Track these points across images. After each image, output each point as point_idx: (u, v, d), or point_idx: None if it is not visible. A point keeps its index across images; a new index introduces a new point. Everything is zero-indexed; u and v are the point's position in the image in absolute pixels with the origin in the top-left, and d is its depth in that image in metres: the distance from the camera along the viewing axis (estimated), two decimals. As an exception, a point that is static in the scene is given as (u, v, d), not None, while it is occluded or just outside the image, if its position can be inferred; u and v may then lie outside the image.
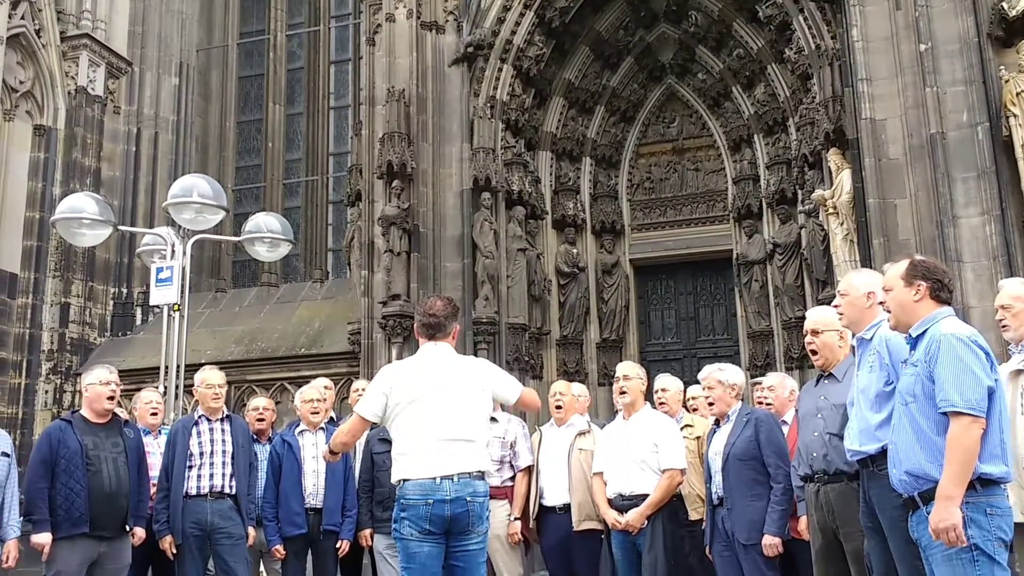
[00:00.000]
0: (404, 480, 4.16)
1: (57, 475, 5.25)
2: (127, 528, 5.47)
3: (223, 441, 5.92)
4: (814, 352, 4.45)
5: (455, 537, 4.14)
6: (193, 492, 5.78)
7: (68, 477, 5.24)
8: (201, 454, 5.84)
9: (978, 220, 9.37)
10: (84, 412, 5.56)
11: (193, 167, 15.34)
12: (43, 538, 5.20)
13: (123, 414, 5.90)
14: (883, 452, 3.59)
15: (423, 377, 4.29)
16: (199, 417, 5.99)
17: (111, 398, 5.54)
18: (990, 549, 3.14)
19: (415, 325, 4.51)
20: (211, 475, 5.82)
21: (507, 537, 6.09)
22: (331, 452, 4.51)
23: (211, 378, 6.05)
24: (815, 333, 4.42)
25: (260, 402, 6.81)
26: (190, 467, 5.81)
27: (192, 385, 8.25)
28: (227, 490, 5.83)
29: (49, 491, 5.23)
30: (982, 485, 3.17)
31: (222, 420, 6.01)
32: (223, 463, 5.86)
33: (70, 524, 5.21)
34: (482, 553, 4.29)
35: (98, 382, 5.51)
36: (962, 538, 3.10)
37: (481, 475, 4.24)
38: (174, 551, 5.70)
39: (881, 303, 3.63)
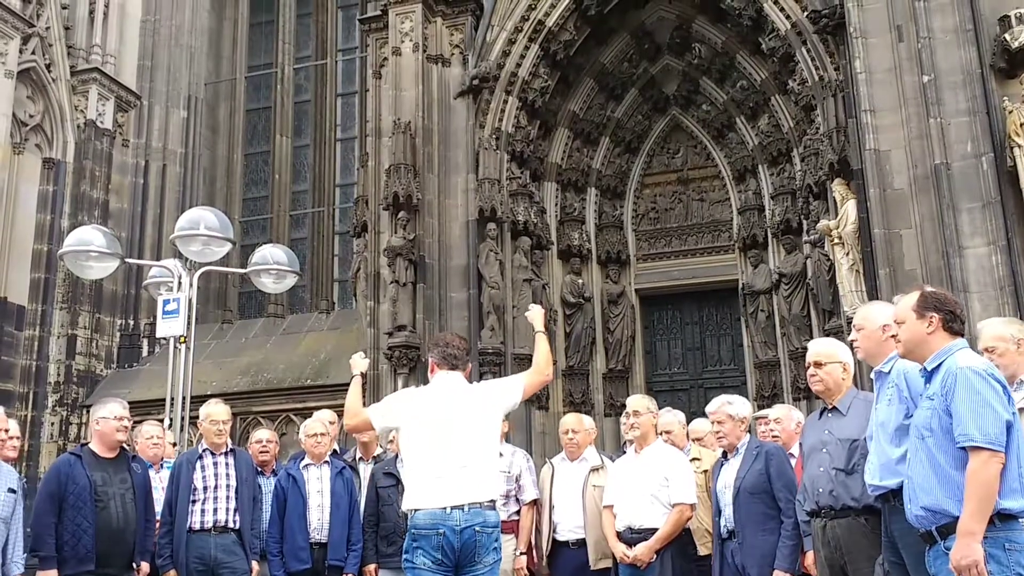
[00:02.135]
0: (415, 510, 4.16)
1: (65, 511, 5.19)
2: (133, 566, 5.42)
3: (227, 475, 5.88)
4: (817, 385, 4.40)
5: (462, 569, 4.11)
6: (197, 527, 5.72)
7: (76, 513, 5.18)
8: (205, 488, 5.80)
9: (984, 250, 9.35)
10: (93, 446, 5.50)
11: (200, 199, 15.43)
12: (49, 575, 5.16)
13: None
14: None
15: (436, 405, 4.31)
16: (203, 451, 5.95)
17: (122, 432, 5.52)
18: None
19: (433, 356, 4.53)
20: (215, 509, 5.77)
21: (513, 572, 6.03)
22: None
23: (215, 414, 6.00)
24: (818, 365, 4.37)
25: (263, 435, 6.75)
26: (194, 501, 5.77)
27: (197, 417, 8.23)
28: (231, 524, 5.78)
29: (56, 526, 5.17)
30: (1001, 520, 3.12)
31: (226, 454, 5.98)
32: (227, 497, 5.82)
33: (76, 562, 5.15)
34: None
35: (112, 416, 5.46)
36: (984, 574, 3.05)
37: (492, 504, 4.21)
38: None
39: (893, 336, 3.59)
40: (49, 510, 5.21)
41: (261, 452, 6.53)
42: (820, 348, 4.47)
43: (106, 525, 5.24)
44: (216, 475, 5.86)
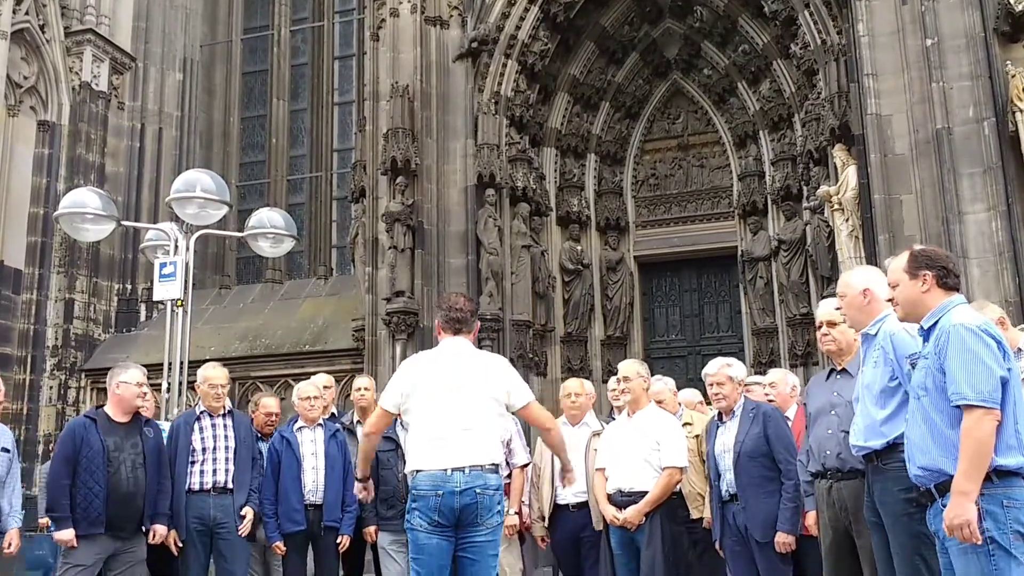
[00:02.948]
0: (417, 471, 4.18)
1: (78, 473, 5.24)
2: (142, 529, 5.45)
3: (225, 437, 5.89)
4: (829, 345, 4.34)
5: (464, 529, 4.14)
6: (196, 487, 5.75)
7: (88, 476, 5.23)
8: (204, 449, 5.81)
9: (984, 216, 9.33)
10: (109, 410, 5.52)
11: (197, 163, 15.32)
12: (66, 534, 5.20)
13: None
14: (888, 447, 3.55)
15: (443, 369, 4.33)
16: (201, 412, 5.96)
17: (141, 398, 5.52)
18: (1006, 542, 3.05)
19: (438, 320, 4.53)
20: (214, 471, 5.79)
21: (505, 530, 6.06)
22: (362, 473, 4.63)
23: (213, 377, 5.98)
24: (831, 325, 4.29)
25: (272, 405, 6.65)
26: (192, 462, 5.78)
27: (196, 382, 8.18)
28: (229, 485, 5.81)
29: (70, 488, 5.22)
30: (999, 477, 3.09)
31: (224, 416, 5.98)
32: (226, 459, 5.84)
33: (88, 523, 5.21)
34: (492, 546, 4.25)
35: (133, 382, 5.47)
36: (976, 535, 3.03)
37: (495, 468, 4.22)
38: (179, 544, 5.69)
39: (890, 300, 3.54)
40: (64, 472, 5.26)
41: (267, 424, 6.51)
42: (833, 308, 4.36)
43: (116, 489, 5.28)
44: (215, 436, 5.87)
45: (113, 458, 5.29)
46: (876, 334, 3.75)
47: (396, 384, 4.40)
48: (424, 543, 4.12)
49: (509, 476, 6.16)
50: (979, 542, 3.04)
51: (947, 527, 3.09)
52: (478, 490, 4.10)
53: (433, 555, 4.12)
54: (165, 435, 6.31)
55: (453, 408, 4.20)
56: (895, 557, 3.50)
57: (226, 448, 5.87)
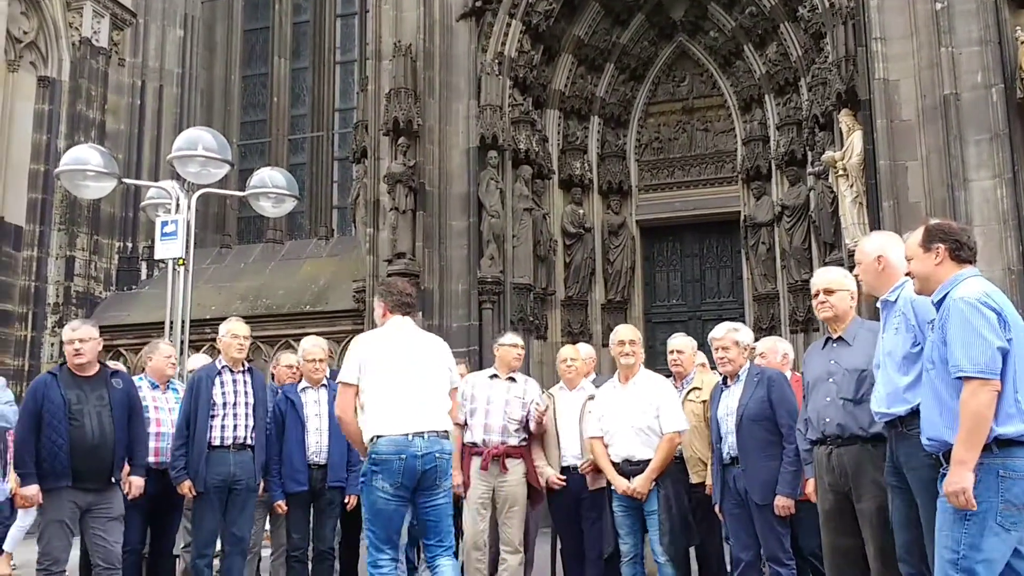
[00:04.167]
0: (378, 436, 4.41)
1: (42, 429, 5.26)
2: (113, 480, 5.46)
3: (246, 392, 5.94)
4: (827, 312, 4.36)
5: (423, 493, 4.43)
6: (216, 443, 5.79)
7: (52, 431, 5.25)
8: (224, 404, 5.84)
9: (989, 183, 9.29)
10: (70, 366, 5.53)
11: (198, 121, 15.20)
12: (29, 490, 5.25)
13: (117, 366, 5.86)
14: (912, 413, 3.57)
15: (398, 344, 4.62)
16: (222, 367, 5.98)
17: (78, 353, 5.42)
18: (993, 511, 3.13)
19: (387, 301, 4.78)
20: (235, 426, 5.84)
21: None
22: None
23: (237, 329, 6.04)
24: (828, 292, 4.33)
25: (292, 359, 6.87)
26: (212, 416, 5.81)
27: (196, 341, 8.24)
28: (248, 442, 5.87)
29: (35, 444, 5.26)
30: (1000, 447, 3.15)
31: (244, 372, 6.02)
32: (246, 415, 5.89)
33: (54, 477, 5.24)
34: (449, 507, 4.62)
35: (78, 339, 5.42)
36: (971, 503, 3.10)
37: (447, 434, 4.55)
38: (194, 494, 5.73)
39: (908, 274, 3.60)
40: (28, 427, 5.31)
41: (289, 378, 6.60)
42: (831, 276, 4.45)
43: (81, 442, 5.28)
44: (235, 392, 5.91)
45: (76, 411, 5.30)
46: (896, 300, 3.78)
47: (354, 358, 4.62)
48: (382, 508, 4.39)
49: (526, 440, 6.18)
50: (974, 508, 3.11)
51: (945, 494, 3.18)
52: (437, 454, 4.43)
53: (391, 519, 4.43)
54: (174, 392, 6.34)
55: (411, 379, 4.50)
56: (925, 524, 3.53)
57: (246, 404, 5.93)
